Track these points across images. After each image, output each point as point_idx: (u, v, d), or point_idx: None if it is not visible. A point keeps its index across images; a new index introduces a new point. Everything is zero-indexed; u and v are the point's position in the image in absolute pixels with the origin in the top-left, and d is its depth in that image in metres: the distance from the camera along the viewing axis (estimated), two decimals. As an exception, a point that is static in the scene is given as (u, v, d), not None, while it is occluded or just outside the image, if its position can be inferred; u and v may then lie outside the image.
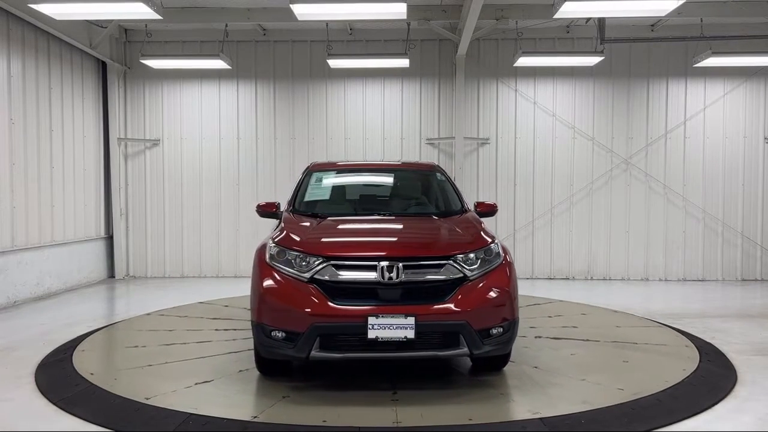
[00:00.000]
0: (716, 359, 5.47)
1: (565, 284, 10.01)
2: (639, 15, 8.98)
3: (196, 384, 4.67)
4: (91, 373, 4.91)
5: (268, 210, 5.62)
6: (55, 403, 4.35)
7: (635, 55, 10.47)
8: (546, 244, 10.59)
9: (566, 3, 7.07)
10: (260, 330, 4.41)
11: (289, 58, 10.71)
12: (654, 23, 10.08)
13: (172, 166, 10.82)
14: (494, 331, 4.38)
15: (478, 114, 10.63)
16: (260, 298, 4.45)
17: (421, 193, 6.16)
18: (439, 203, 5.89)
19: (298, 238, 4.67)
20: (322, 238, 4.77)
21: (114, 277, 10.71)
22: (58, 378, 4.91)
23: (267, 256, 4.62)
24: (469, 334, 4.26)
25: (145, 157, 10.84)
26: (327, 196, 6.01)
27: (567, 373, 5.05)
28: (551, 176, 10.60)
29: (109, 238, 10.72)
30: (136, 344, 5.83)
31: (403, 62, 9.72)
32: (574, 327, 6.72)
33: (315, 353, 4.22)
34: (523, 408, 4.25)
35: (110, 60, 10.28)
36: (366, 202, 6.05)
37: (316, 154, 10.52)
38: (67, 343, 5.99)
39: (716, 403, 4.36)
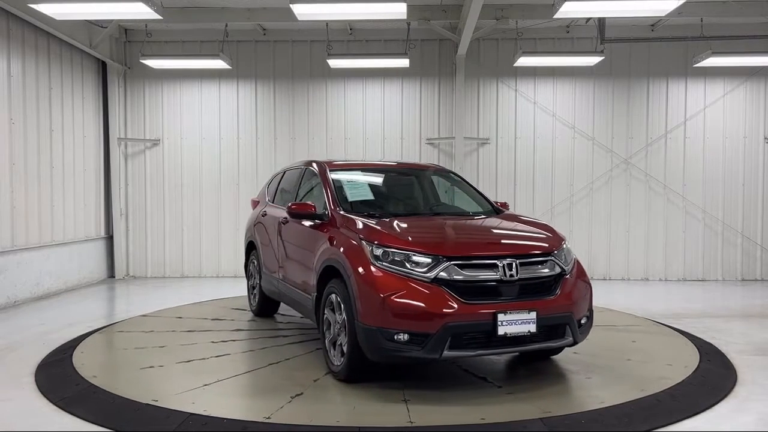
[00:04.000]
0: (716, 359, 5.47)
1: (565, 284, 10.00)
2: (639, 15, 8.98)
3: (292, 398, 4.36)
4: (157, 401, 4.32)
5: (304, 210, 5.35)
6: (55, 403, 4.34)
7: (635, 55, 10.47)
8: (546, 244, 10.56)
9: (566, 3, 7.08)
10: (378, 334, 4.25)
11: (289, 58, 10.71)
12: (654, 23, 10.08)
13: (172, 166, 10.82)
14: (583, 320, 4.74)
15: (478, 114, 10.63)
16: (380, 300, 4.26)
17: (468, 192, 6.25)
18: (475, 203, 6.02)
19: (403, 238, 4.55)
20: (433, 238, 4.76)
21: (114, 277, 10.71)
22: (58, 378, 4.91)
23: (370, 256, 4.47)
24: (573, 324, 4.59)
25: (145, 157, 10.84)
26: (372, 196, 5.88)
27: (607, 355, 5.46)
28: (551, 176, 10.60)
29: (109, 238, 10.72)
30: (151, 364, 5.18)
31: (403, 62, 9.72)
32: None
33: (447, 353, 4.20)
34: (626, 388, 4.57)
35: (110, 60, 10.29)
36: (415, 201, 6.14)
37: (316, 154, 10.52)
38: (67, 343, 5.99)
39: (716, 403, 4.36)
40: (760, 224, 10.54)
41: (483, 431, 3.86)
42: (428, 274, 4.31)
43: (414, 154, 10.62)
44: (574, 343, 4.66)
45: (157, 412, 4.11)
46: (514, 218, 5.59)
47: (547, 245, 4.77)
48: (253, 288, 7.26)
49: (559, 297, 4.55)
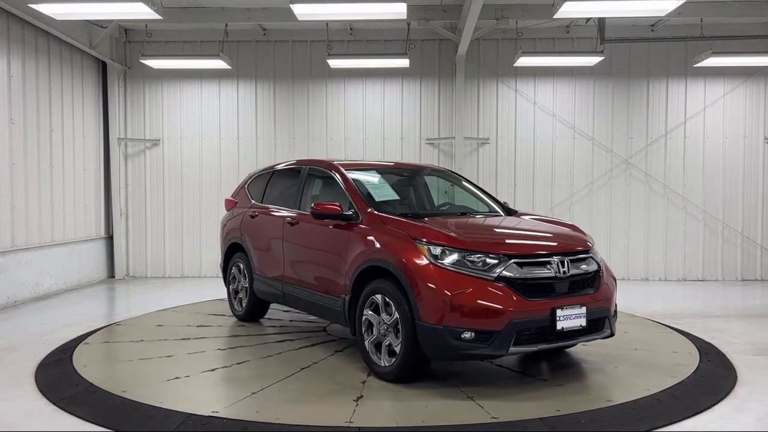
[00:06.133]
0: (716, 359, 5.48)
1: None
2: (639, 15, 8.98)
3: (356, 401, 4.31)
4: (217, 412, 4.07)
5: (330, 211, 5.23)
6: (55, 403, 4.34)
7: (635, 55, 10.47)
8: (546, 244, 10.57)
9: (566, 3, 7.08)
10: (445, 333, 4.27)
11: (289, 58, 10.71)
12: (654, 23, 10.08)
13: (172, 166, 10.82)
14: (613, 314, 4.96)
15: (478, 114, 10.63)
16: (447, 300, 4.28)
17: (473, 193, 6.34)
18: (484, 203, 6.13)
19: (461, 238, 4.59)
20: (489, 237, 4.93)
21: (114, 277, 10.71)
22: (58, 378, 4.90)
23: (429, 256, 4.47)
24: (610, 317, 4.86)
25: (145, 157, 10.84)
26: (397, 196, 5.85)
27: (616, 346, 5.64)
28: (551, 176, 10.61)
29: (109, 238, 10.72)
30: (176, 375, 4.92)
31: (403, 62, 9.72)
32: None
33: (512, 348, 4.32)
34: (658, 376, 4.86)
35: (110, 60, 10.29)
36: (439, 201, 6.25)
37: (316, 153, 10.52)
38: (67, 343, 5.98)
39: (716, 403, 4.36)
40: (760, 224, 10.54)
41: (483, 431, 3.86)
42: (492, 273, 4.39)
43: (414, 154, 10.62)
44: (611, 335, 4.86)
45: (157, 412, 4.10)
46: (539, 218, 5.81)
47: (585, 243, 4.99)
48: (237, 292, 6.98)
49: (600, 292, 4.79)
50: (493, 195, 10.22)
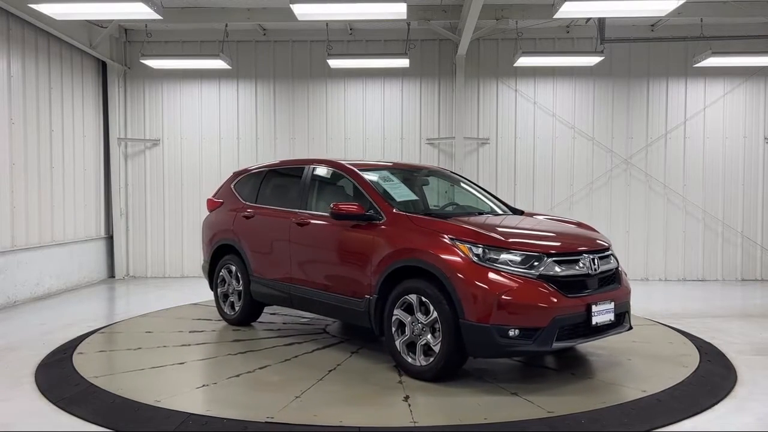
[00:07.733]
0: (716, 359, 5.48)
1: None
2: (639, 15, 8.98)
3: (406, 401, 4.31)
4: (272, 418, 3.98)
5: (352, 212, 5.16)
6: (55, 403, 4.34)
7: (635, 55, 10.47)
8: (546, 244, 10.56)
9: (566, 3, 7.08)
10: (493, 331, 4.33)
11: (289, 58, 10.71)
12: (654, 23, 10.09)
13: (172, 166, 10.82)
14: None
15: (478, 114, 10.63)
16: (494, 298, 4.34)
17: (481, 194, 6.41)
18: (493, 204, 6.21)
19: (502, 237, 4.64)
20: (526, 236, 5.02)
21: (114, 277, 10.72)
22: (58, 378, 4.90)
23: (471, 255, 4.51)
24: (629, 312, 5.11)
25: (145, 157, 10.84)
26: (414, 196, 5.83)
27: (621, 341, 5.77)
28: (551, 176, 10.60)
29: (109, 238, 10.72)
30: (204, 383, 4.79)
31: (403, 62, 9.72)
32: None
33: (555, 344, 4.45)
34: (670, 366, 5.16)
35: (110, 60, 10.29)
36: (455, 201, 6.33)
37: (317, 153, 10.53)
38: (67, 343, 5.98)
39: (716, 403, 4.36)
40: (760, 224, 10.54)
41: (482, 431, 3.86)
42: (533, 271, 4.50)
43: (414, 154, 10.62)
44: (630, 328, 5.07)
45: (157, 413, 4.10)
46: (550, 217, 6.03)
47: (604, 241, 5.17)
48: (227, 296, 6.72)
49: (623, 287, 5.05)
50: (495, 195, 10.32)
